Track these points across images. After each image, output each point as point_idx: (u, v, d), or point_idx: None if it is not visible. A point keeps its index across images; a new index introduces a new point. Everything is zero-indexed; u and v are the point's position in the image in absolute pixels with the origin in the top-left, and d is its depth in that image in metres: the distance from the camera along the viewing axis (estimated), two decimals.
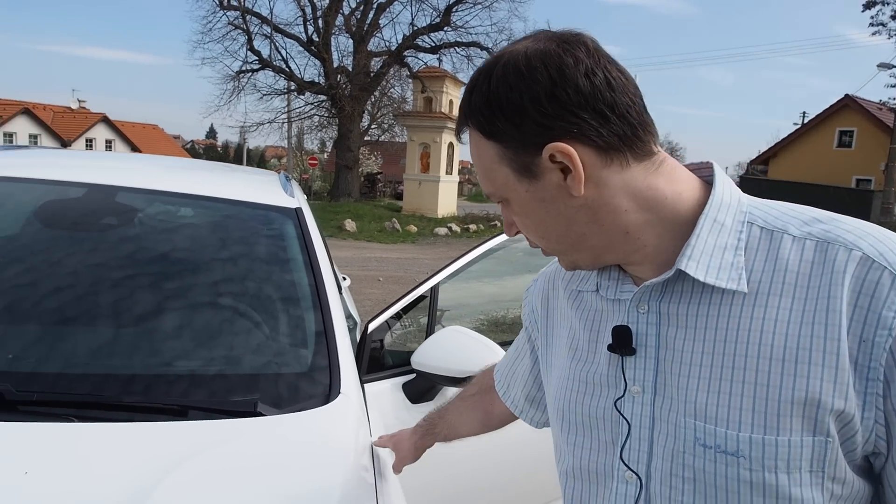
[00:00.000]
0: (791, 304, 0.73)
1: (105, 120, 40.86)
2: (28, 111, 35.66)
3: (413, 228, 18.89)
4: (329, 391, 1.45)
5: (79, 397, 1.27)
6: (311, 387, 1.47)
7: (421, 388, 1.83)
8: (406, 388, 1.84)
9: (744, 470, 0.73)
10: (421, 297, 2.01)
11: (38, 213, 1.87)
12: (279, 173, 2.74)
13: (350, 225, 17.84)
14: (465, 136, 0.84)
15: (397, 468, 1.37)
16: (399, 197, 28.35)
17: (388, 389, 1.82)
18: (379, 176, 37.29)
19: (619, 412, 0.83)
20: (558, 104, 0.73)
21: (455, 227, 19.60)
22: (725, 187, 0.80)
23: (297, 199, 2.20)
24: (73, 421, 1.19)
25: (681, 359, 0.78)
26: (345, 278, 4.06)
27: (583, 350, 0.90)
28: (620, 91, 0.75)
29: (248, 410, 1.31)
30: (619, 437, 0.84)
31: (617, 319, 0.85)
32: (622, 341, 0.82)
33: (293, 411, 1.36)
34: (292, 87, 24.77)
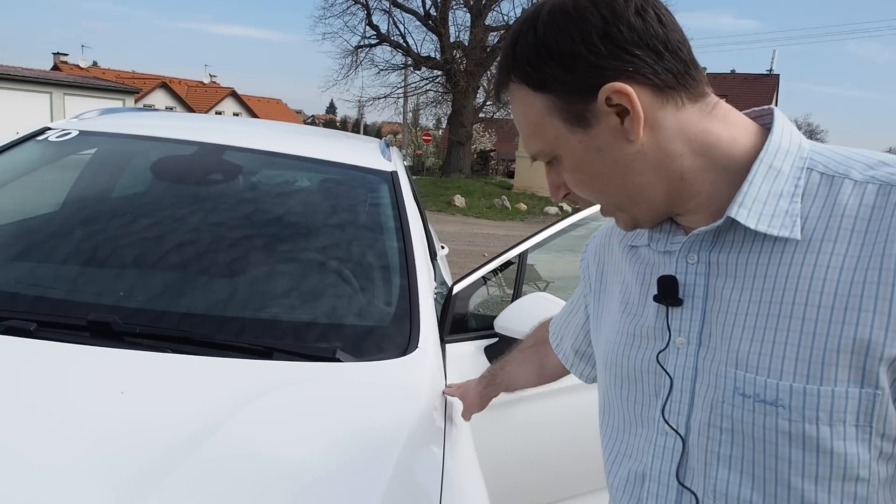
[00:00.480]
0: (846, 250, 0.69)
1: (233, 94, 43.49)
2: (165, 85, 38.55)
3: (522, 206, 18.79)
4: (407, 345, 1.49)
5: (176, 333, 1.38)
6: (390, 339, 1.53)
7: (502, 351, 1.83)
8: (488, 350, 1.85)
9: (782, 420, 0.71)
10: (509, 263, 2.01)
11: (153, 167, 2.04)
12: (380, 140, 2.81)
13: (459, 200, 18.01)
14: (504, 98, 0.83)
15: (466, 416, 1.43)
16: (511, 175, 28.23)
17: (470, 351, 1.83)
18: (492, 153, 37.25)
19: (661, 365, 0.82)
20: (612, 43, 0.71)
21: (566, 207, 19.28)
22: (784, 132, 0.76)
23: (393, 164, 2.25)
24: (168, 352, 1.30)
25: (727, 308, 0.76)
26: (443, 247, 4.12)
27: (633, 304, 0.89)
28: (671, 27, 0.73)
29: (327, 356, 1.38)
30: (662, 390, 0.82)
31: (666, 271, 0.83)
32: (668, 291, 0.81)
33: (371, 360, 1.42)
34: (408, 62, 25.18)
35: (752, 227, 0.74)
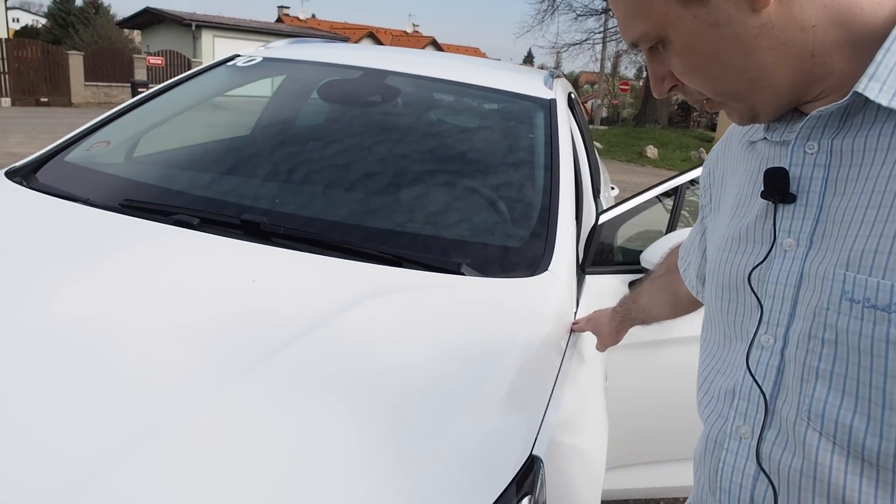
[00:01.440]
0: None
1: (433, 43, 44.69)
2: (372, 34, 40.68)
3: None
4: (536, 267, 1.45)
5: (315, 236, 1.47)
6: (519, 260, 1.51)
7: None
8: (633, 286, 1.75)
9: (894, 329, 0.59)
10: (662, 196, 1.86)
11: (320, 89, 2.17)
12: (546, 71, 2.73)
13: (651, 151, 17.05)
14: None
15: (601, 347, 1.39)
16: (713, 128, 26.08)
17: (613, 285, 1.74)
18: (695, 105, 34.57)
19: (763, 271, 0.72)
20: None
21: None
22: None
23: (553, 93, 2.18)
24: (305, 252, 1.39)
25: (847, 203, 0.64)
26: (613, 188, 3.97)
27: (742, 205, 0.78)
28: None
29: (451, 269, 1.39)
30: (763, 299, 0.72)
31: (778, 163, 0.71)
32: (776, 186, 0.70)
33: (495, 277, 1.40)
34: (608, 7, 23.96)
35: (885, 103, 0.62)
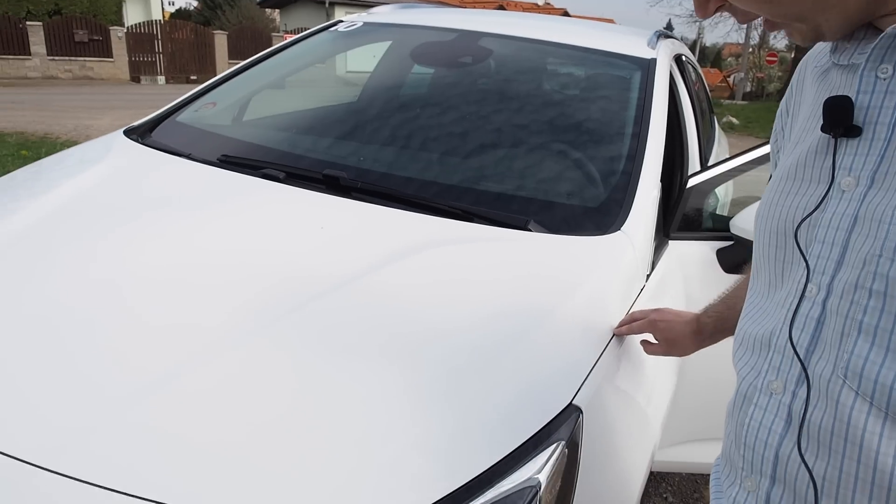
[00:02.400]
0: None
1: (565, 14, 43.66)
2: (502, 7, 40.38)
3: None
4: (608, 227, 1.41)
5: (390, 191, 1.52)
6: (591, 220, 1.49)
7: (738, 256, 1.62)
8: (721, 254, 1.65)
9: None
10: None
11: (412, 52, 2.21)
12: (654, 32, 2.61)
13: None
14: None
15: (676, 353, 1.20)
16: None
17: (698, 253, 1.66)
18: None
19: (816, 213, 0.66)
20: None
21: None
22: None
23: (655, 53, 2.08)
24: (377, 204, 1.45)
25: None
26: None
27: (801, 141, 0.71)
28: None
29: (518, 225, 1.39)
30: (811, 244, 0.66)
31: (845, 91, 0.64)
32: (837, 118, 0.63)
33: (564, 234, 1.39)
34: None
35: None
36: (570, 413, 0.99)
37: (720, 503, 0.79)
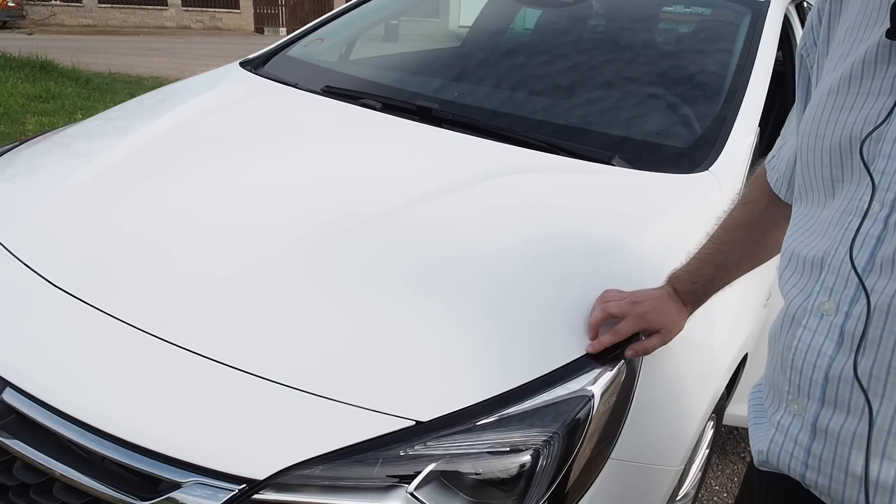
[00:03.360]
0: None
1: None
2: None
3: None
4: (695, 167, 1.38)
5: (478, 123, 1.55)
6: (678, 159, 1.46)
7: None
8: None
9: None
10: None
11: None
12: None
13: None
14: None
15: (655, 344, 1.01)
16: None
17: None
18: None
19: (881, 130, 0.62)
20: None
21: None
22: None
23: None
24: (466, 134, 1.49)
25: None
26: None
27: (849, 51, 0.66)
28: None
29: (602, 160, 1.39)
30: (876, 160, 0.62)
31: None
32: None
33: (649, 171, 1.37)
34: None
35: None
36: (631, 339, 1.00)
37: (761, 428, 0.77)
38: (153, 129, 1.55)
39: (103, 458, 0.91)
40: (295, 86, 1.76)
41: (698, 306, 1.02)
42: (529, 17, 2.21)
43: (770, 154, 0.94)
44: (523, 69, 1.84)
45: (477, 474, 0.88)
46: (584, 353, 0.97)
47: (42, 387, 0.97)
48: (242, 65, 1.97)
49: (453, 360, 0.96)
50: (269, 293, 1.04)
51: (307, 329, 0.99)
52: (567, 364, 0.96)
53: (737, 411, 1.67)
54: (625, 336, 0.99)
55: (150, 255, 1.14)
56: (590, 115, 1.62)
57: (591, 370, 0.95)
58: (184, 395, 0.92)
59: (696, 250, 1.01)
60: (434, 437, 0.88)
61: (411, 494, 0.86)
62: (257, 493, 0.85)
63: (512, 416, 0.90)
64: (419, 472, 0.86)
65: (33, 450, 0.96)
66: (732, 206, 1.00)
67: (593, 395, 0.94)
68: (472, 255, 1.12)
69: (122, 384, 0.95)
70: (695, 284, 1.00)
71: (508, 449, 0.88)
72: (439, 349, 0.97)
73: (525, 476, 0.88)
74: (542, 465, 0.89)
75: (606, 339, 0.98)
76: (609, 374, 0.96)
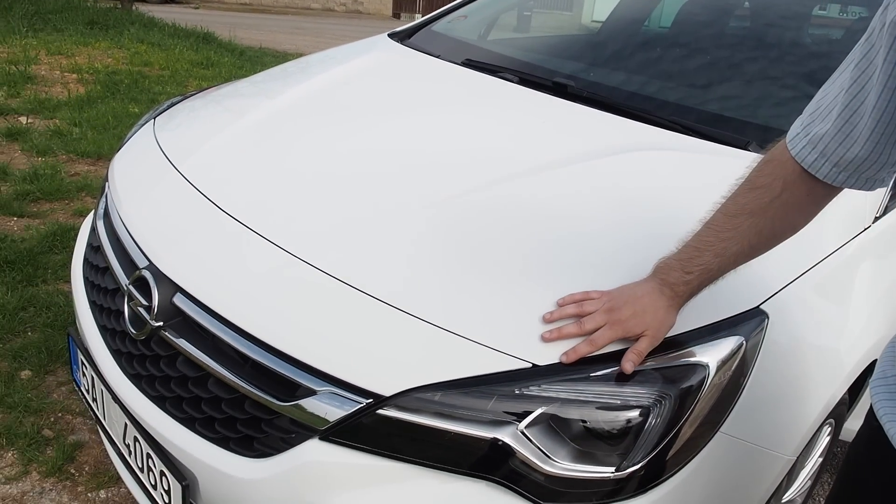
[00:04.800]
0: None
1: None
2: None
3: None
4: None
5: (613, 101, 1.54)
6: None
7: None
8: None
9: None
10: None
11: None
12: None
13: None
14: None
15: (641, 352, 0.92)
16: None
17: None
18: None
19: None
20: None
21: None
22: None
23: None
24: (599, 110, 1.50)
25: None
26: None
27: None
28: None
29: (738, 144, 1.34)
30: None
31: None
32: None
33: None
34: None
35: None
36: (755, 315, 0.98)
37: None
38: (312, 84, 1.70)
39: (252, 361, 1.01)
40: (438, 57, 1.82)
41: (691, 298, 0.94)
42: (667, 14, 2.15)
43: (794, 132, 0.84)
44: (661, 56, 1.80)
45: (584, 423, 0.90)
46: (705, 323, 0.96)
47: (207, 294, 1.09)
48: (390, 36, 2.06)
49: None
50: (404, 235, 1.11)
51: (438, 270, 1.04)
52: (687, 331, 0.95)
53: (856, 427, 1.57)
54: (602, 346, 0.92)
55: (303, 192, 1.24)
56: (728, 102, 1.57)
57: (709, 340, 0.94)
58: (326, 315, 1.01)
59: (691, 237, 0.93)
60: (549, 381, 0.91)
61: (521, 432, 0.89)
62: (381, 408, 0.92)
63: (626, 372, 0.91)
64: (530, 413, 0.90)
65: (195, 348, 1.08)
66: (734, 191, 0.91)
67: (709, 366, 0.93)
68: (600, 217, 1.14)
69: (274, 299, 1.04)
70: (689, 275, 0.91)
71: (619, 402, 0.90)
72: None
73: (632, 433, 0.89)
74: (650, 424, 0.89)
75: (582, 349, 0.91)
76: (728, 347, 0.94)
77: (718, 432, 0.95)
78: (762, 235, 0.88)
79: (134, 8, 9.71)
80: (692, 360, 0.93)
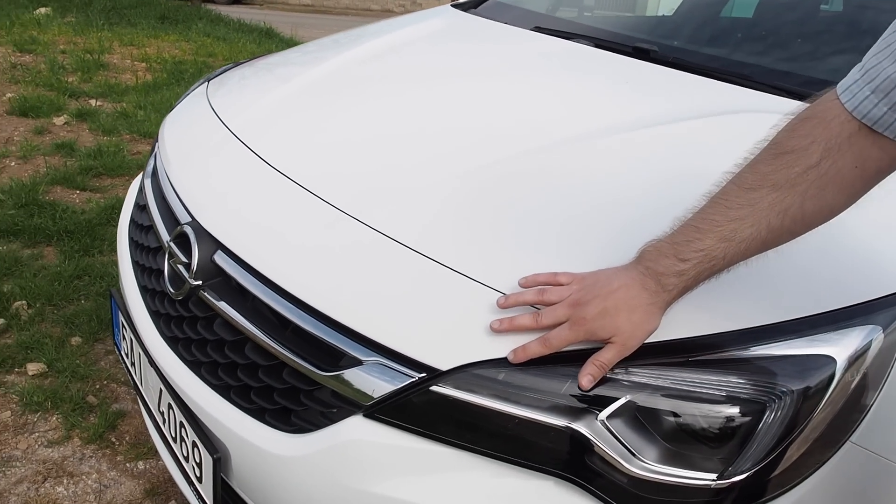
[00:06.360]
0: None
1: None
2: None
3: None
4: None
5: (698, 64, 1.37)
6: None
7: None
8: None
9: None
10: None
11: None
12: None
13: None
14: None
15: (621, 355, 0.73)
16: None
17: None
18: None
19: None
20: None
21: None
22: None
23: None
24: (676, 69, 1.35)
25: None
26: None
27: None
28: None
29: None
30: None
31: None
32: None
33: None
34: None
35: None
36: (893, 302, 0.79)
37: None
38: (368, 47, 1.60)
39: (293, 325, 0.88)
40: (506, 23, 1.69)
41: (684, 294, 0.72)
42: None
43: (850, 80, 0.65)
44: (745, 30, 1.62)
45: (679, 417, 0.73)
46: (829, 309, 0.77)
47: (249, 251, 0.97)
48: (454, 6, 1.93)
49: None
50: (469, 197, 0.96)
51: (508, 236, 0.89)
52: (806, 317, 0.77)
53: None
54: (558, 349, 0.73)
55: (356, 150, 1.12)
56: (835, 62, 1.37)
57: (836, 330, 0.76)
58: (378, 277, 0.87)
59: (691, 215, 0.72)
60: (637, 364, 0.74)
61: (602, 422, 0.73)
62: (435, 385, 0.77)
63: (735, 359, 0.73)
64: (614, 401, 0.73)
65: (233, 310, 0.96)
66: (754, 157, 0.70)
67: (836, 360, 0.74)
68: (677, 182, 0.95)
69: (321, 260, 0.92)
70: (684, 263, 0.70)
71: (724, 395, 0.72)
72: None
73: (739, 433, 0.72)
74: (764, 424, 0.71)
75: (533, 347, 0.73)
76: (860, 339, 0.75)
77: (848, 442, 0.76)
78: (786, 217, 0.67)
79: (203, 6, 9.89)
80: (817, 351, 0.74)
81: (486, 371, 0.76)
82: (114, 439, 1.64)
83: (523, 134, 1.10)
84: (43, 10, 6.86)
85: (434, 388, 0.77)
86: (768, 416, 0.71)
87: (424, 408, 0.77)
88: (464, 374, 0.76)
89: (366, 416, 0.80)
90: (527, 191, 0.96)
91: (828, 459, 0.75)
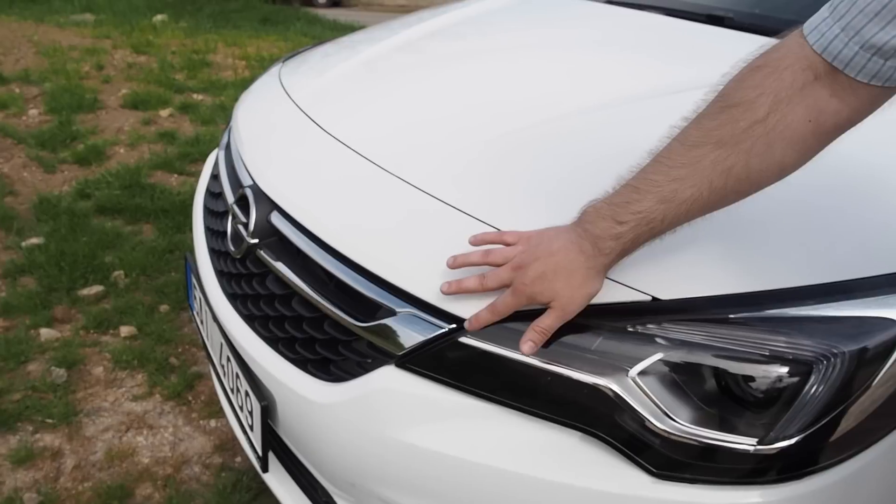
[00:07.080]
0: None
1: None
2: None
3: None
4: None
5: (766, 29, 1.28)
6: None
7: None
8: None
9: None
10: None
11: None
12: None
13: None
14: None
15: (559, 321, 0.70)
16: None
17: None
18: None
19: None
20: None
21: None
22: None
23: None
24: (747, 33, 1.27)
25: None
26: None
27: None
28: None
29: None
30: None
31: None
32: None
33: None
34: None
35: None
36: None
37: None
38: (439, 21, 1.61)
39: (336, 279, 0.90)
40: None
41: (623, 257, 0.68)
42: None
43: (820, 17, 0.59)
44: None
45: (716, 376, 0.68)
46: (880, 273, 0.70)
47: (303, 211, 0.99)
48: None
49: (717, 243, 0.75)
50: (509, 159, 0.95)
51: (546, 195, 0.87)
52: (864, 277, 0.70)
53: None
54: (504, 315, 0.71)
55: (413, 119, 1.13)
56: None
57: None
58: (417, 234, 0.87)
59: (631, 175, 0.67)
60: (673, 319, 0.70)
61: (633, 379, 0.69)
62: (464, 335, 0.76)
63: (781, 318, 0.68)
64: (647, 357, 0.70)
65: (283, 266, 0.99)
66: (699, 112, 0.64)
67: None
68: None
69: (366, 217, 0.93)
70: (621, 226, 0.66)
71: (767, 354, 0.66)
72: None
73: (784, 396, 0.66)
74: (811, 387, 0.65)
75: (483, 315, 0.71)
76: None
77: None
78: (730, 176, 0.62)
79: (302, 8, 10.31)
80: (875, 313, 0.67)
81: (513, 324, 0.74)
82: (190, 398, 1.74)
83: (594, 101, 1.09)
84: (159, 16, 7.40)
85: (464, 339, 0.76)
86: (815, 379, 0.65)
87: (454, 358, 0.77)
88: (492, 325, 0.75)
89: (398, 365, 0.81)
90: (577, 155, 0.93)
91: (888, 435, 0.67)
